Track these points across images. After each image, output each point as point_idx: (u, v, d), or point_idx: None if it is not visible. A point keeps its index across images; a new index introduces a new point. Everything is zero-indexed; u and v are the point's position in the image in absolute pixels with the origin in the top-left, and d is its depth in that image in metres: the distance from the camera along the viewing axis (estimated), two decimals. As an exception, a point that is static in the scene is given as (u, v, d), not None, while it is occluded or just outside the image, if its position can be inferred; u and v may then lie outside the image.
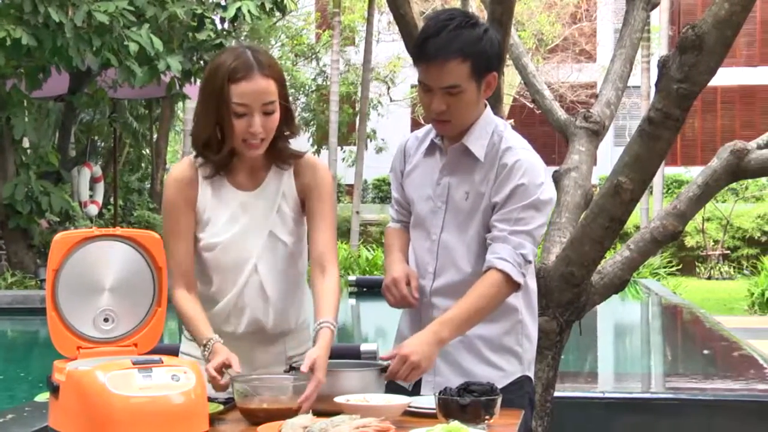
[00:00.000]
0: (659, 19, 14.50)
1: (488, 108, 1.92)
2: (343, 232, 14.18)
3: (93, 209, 12.12)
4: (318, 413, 1.64)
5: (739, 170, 2.52)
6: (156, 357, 1.56)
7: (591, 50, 18.20)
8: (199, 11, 9.22)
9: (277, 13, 10.38)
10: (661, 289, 10.18)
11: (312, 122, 17.04)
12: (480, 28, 1.84)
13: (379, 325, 7.89)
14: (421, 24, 2.31)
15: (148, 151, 15.05)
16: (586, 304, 2.51)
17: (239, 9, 9.25)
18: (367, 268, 12.42)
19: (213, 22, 9.57)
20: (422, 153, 1.96)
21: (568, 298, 2.46)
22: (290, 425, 1.57)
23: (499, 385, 1.83)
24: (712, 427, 3.34)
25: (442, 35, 1.81)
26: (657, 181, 12.99)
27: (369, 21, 13.88)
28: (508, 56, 2.56)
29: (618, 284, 2.56)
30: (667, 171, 15.97)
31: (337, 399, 1.66)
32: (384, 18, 16.23)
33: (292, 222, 1.93)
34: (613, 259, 2.59)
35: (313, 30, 18.28)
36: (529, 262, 1.86)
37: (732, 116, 19.77)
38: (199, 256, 1.92)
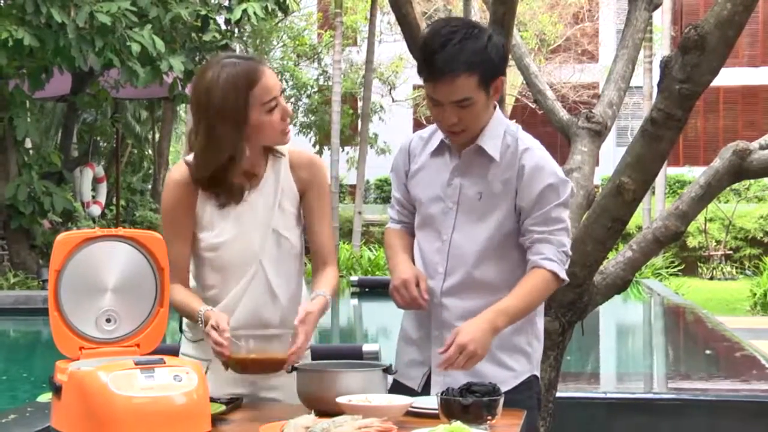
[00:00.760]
0: (661, 19, 14.49)
1: (498, 109, 1.92)
2: (345, 233, 14.18)
3: (95, 210, 12.12)
4: (320, 413, 1.64)
5: (741, 170, 2.51)
6: (158, 357, 1.57)
7: (593, 50, 18.19)
8: (203, 12, 9.22)
9: (280, 14, 10.39)
10: (664, 290, 10.17)
11: (314, 123, 17.03)
12: (484, 37, 1.82)
13: (382, 325, 7.89)
14: (423, 24, 2.31)
15: (150, 151, 15.07)
16: (589, 304, 2.51)
17: (245, 11, 9.25)
18: (369, 269, 12.41)
19: (217, 23, 9.58)
20: (429, 153, 1.95)
21: (570, 299, 2.46)
22: (292, 425, 1.57)
23: (510, 386, 1.86)
24: (715, 428, 3.34)
25: (447, 49, 1.79)
26: (659, 182, 12.99)
27: (371, 21, 13.88)
28: (510, 57, 2.56)
29: (620, 284, 2.56)
30: (669, 171, 15.94)
31: (339, 399, 1.67)
32: (386, 18, 16.22)
33: (293, 218, 1.95)
34: (616, 259, 2.58)
35: (315, 30, 18.27)
36: (569, 256, 1.89)
37: (734, 116, 19.75)
38: (200, 258, 1.93)
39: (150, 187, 14.68)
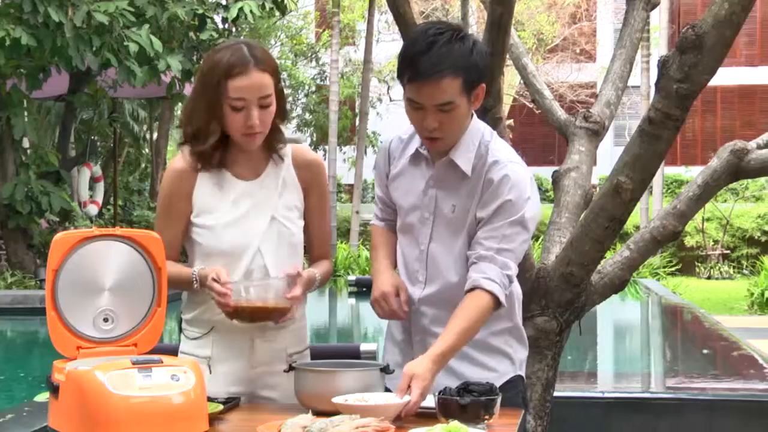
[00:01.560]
0: (659, 18, 14.48)
1: (474, 118, 1.90)
2: (343, 232, 14.16)
3: (93, 209, 12.09)
4: (317, 413, 1.64)
5: (739, 170, 2.51)
6: (156, 357, 1.56)
7: (591, 50, 18.18)
8: (200, 11, 9.20)
9: (277, 13, 10.37)
10: (661, 289, 10.17)
11: (312, 123, 17.01)
12: (469, 42, 1.81)
13: (379, 325, 7.86)
14: (420, 23, 2.31)
15: (147, 150, 15.04)
16: (586, 304, 2.51)
17: (241, 9, 9.22)
18: (367, 268, 12.40)
19: (214, 22, 9.55)
20: (407, 160, 1.94)
21: (567, 298, 2.46)
22: (289, 425, 1.57)
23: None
24: (712, 427, 3.34)
25: (433, 51, 1.76)
26: (657, 181, 12.97)
27: (369, 20, 13.85)
28: (508, 56, 2.56)
29: (618, 284, 2.56)
30: (667, 171, 15.95)
31: (335, 399, 1.66)
32: (384, 17, 16.20)
33: (295, 210, 1.97)
34: (613, 258, 2.58)
35: (313, 29, 18.25)
36: (512, 281, 1.86)
37: (732, 116, 19.76)
38: (198, 244, 1.93)
39: (148, 186, 14.66)
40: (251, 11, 9.19)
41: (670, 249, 14.32)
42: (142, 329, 1.70)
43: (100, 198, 12.45)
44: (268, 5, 9.65)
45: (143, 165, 15.40)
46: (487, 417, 1.62)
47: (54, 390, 1.56)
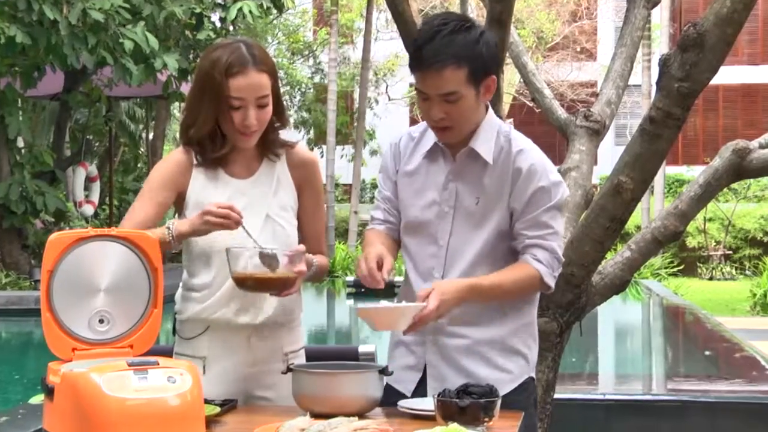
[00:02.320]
0: (660, 16, 14.46)
1: (490, 110, 1.90)
2: (341, 233, 14.10)
3: (88, 209, 12.01)
4: (315, 415, 1.63)
5: (741, 169, 2.50)
6: (152, 358, 1.55)
7: (591, 48, 18.16)
8: (198, 10, 9.15)
9: (275, 11, 10.33)
10: (663, 290, 10.17)
11: (309, 122, 16.97)
12: (476, 32, 1.81)
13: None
14: (419, 22, 2.30)
15: (143, 150, 14.96)
16: (587, 305, 2.49)
17: (240, 9, 9.18)
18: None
19: (212, 21, 9.50)
20: (423, 155, 1.92)
21: (568, 299, 2.44)
22: (287, 427, 1.55)
23: (508, 389, 1.84)
24: (714, 429, 3.32)
25: (436, 41, 1.77)
26: (658, 181, 12.98)
27: (367, 19, 13.80)
28: (507, 55, 2.55)
29: (619, 285, 2.54)
30: (668, 170, 15.94)
31: (359, 305, 1.69)
32: (382, 16, 16.16)
33: (290, 209, 1.96)
34: (614, 259, 2.57)
35: (310, 27, 18.22)
36: (561, 264, 1.88)
37: (734, 115, 19.73)
38: (193, 242, 1.92)
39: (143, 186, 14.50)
40: (250, 11, 9.15)
41: (671, 249, 14.31)
42: (138, 330, 1.69)
43: (95, 198, 12.37)
44: (266, 4, 9.61)
45: (139, 165, 15.31)
46: (486, 419, 1.61)
47: (49, 392, 1.55)
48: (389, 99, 17.35)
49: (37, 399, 3.13)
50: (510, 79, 14.72)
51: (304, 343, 2.03)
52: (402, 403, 1.75)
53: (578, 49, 17.76)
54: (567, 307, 2.45)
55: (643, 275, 11.89)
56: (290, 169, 1.97)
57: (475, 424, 1.58)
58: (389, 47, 16.45)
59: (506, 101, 15.91)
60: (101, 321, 1.66)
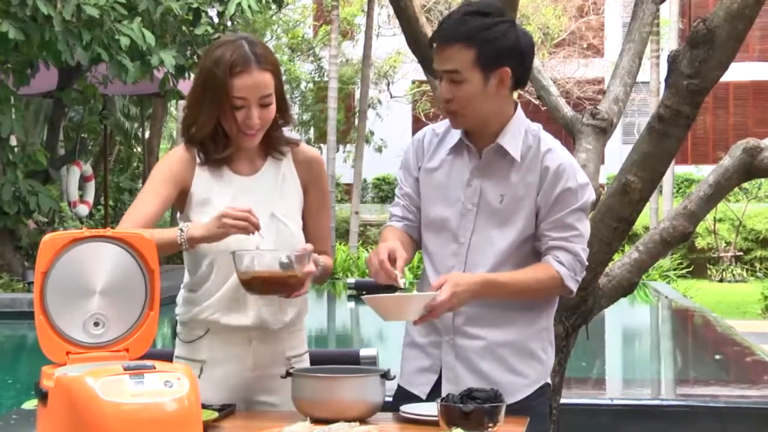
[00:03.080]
0: (669, 12, 14.35)
1: (519, 108, 1.89)
2: (342, 233, 14.01)
3: (83, 209, 11.91)
4: (316, 420, 1.60)
5: (752, 169, 2.47)
6: (148, 362, 1.53)
7: (598, 45, 18.03)
8: (195, 5, 9.05)
9: (274, 6, 10.26)
10: (671, 292, 10.11)
11: (309, 120, 16.91)
12: (493, 18, 1.81)
13: (379, 329, 7.81)
14: (422, 18, 2.28)
15: (139, 149, 14.83)
16: (594, 307, 2.47)
17: (239, 4, 9.10)
18: (367, 271, 12.23)
19: (209, 17, 9.42)
20: (447, 151, 1.90)
21: (574, 302, 2.41)
22: (287, 433, 1.52)
23: (524, 394, 1.82)
24: (725, 434, 3.28)
25: (452, 18, 1.81)
26: (667, 180, 12.89)
27: (369, 15, 13.67)
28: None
29: (626, 287, 2.51)
30: (677, 170, 15.86)
31: (366, 297, 1.67)
32: (384, 12, 16.04)
33: (295, 208, 1.95)
34: (622, 261, 2.54)
35: (310, 23, 18.13)
36: (584, 268, 1.86)
37: (745, 113, 19.60)
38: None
39: (139, 186, 14.43)
40: (249, 6, 9.07)
41: (680, 251, 14.22)
42: (134, 334, 1.67)
43: (90, 198, 12.24)
44: (265, -1, 9.53)
45: (135, 164, 15.20)
46: (491, 425, 1.58)
47: (42, 397, 1.53)
48: (391, 96, 17.25)
49: (31, 404, 3.10)
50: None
51: (307, 347, 2.00)
52: (404, 407, 1.72)
53: (585, 46, 17.63)
54: (573, 309, 2.42)
55: (651, 277, 11.83)
56: (296, 167, 1.96)
57: (479, 430, 1.55)
58: (391, 44, 16.31)
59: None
60: (96, 324, 1.64)
